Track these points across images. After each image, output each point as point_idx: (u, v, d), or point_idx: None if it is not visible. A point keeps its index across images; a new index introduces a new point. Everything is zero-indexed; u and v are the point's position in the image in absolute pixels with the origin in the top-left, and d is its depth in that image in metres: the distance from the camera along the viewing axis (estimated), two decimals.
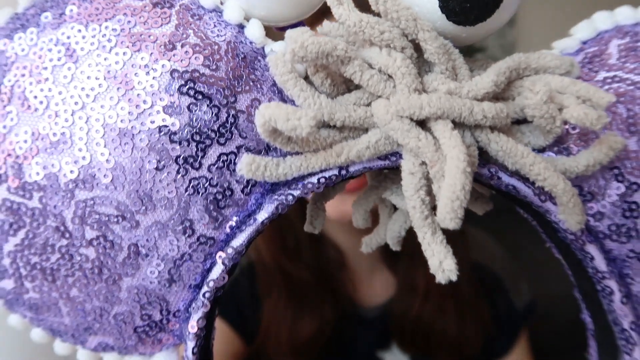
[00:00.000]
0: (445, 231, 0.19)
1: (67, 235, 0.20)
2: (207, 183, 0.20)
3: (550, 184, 0.19)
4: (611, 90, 0.22)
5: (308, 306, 0.61)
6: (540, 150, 0.21)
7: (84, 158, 0.20)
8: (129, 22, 0.20)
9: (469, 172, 0.18)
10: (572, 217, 0.19)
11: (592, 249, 0.21)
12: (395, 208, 0.27)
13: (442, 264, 0.18)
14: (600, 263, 0.21)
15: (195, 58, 0.20)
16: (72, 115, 0.20)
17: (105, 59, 0.20)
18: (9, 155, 0.20)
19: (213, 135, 0.20)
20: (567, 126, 0.21)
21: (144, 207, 0.20)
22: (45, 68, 0.20)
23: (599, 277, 0.21)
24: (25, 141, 0.20)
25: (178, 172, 0.20)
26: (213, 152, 0.20)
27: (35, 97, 0.20)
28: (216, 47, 0.21)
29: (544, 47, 0.25)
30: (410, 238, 0.61)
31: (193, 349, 0.21)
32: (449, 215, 0.17)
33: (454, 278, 0.18)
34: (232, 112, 0.20)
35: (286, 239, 0.62)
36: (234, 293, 0.61)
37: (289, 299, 0.61)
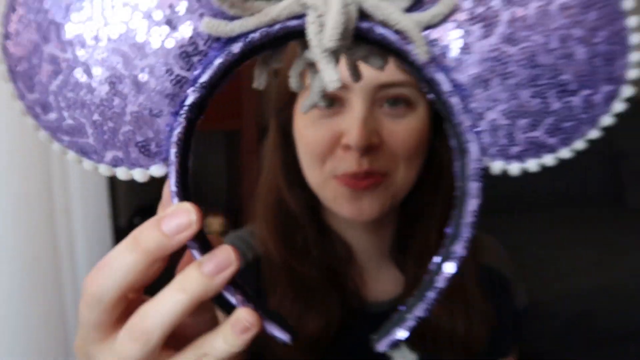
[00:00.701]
0: None
1: (90, 75, 0.30)
2: (180, 37, 0.30)
3: (404, 25, 0.29)
4: None
5: (314, 302, 0.63)
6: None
7: (99, 22, 0.30)
8: None
9: (344, 12, 0.28)
10: (421, 48, 0.29)
11: (439, 76, 0.30)
12: None
13: (331, 79, 0.28)
14: (446, 85, 0.30)
15: None
16: None
17: None
18: (51, 22, 0.30)
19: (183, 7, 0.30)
20: None
21: (139, 54, 0.30)
22: None
23: (448, 97, 0.31)
24: (62, 14, 0.30)
25: (160, 30, 0.30)
26: (183, 17, 0.30)
27: None
28: None
29: None
30: (416, 239, 0.65)
31: (175, 153, 0.31)
32: (329, 38, 0.28)
33: (338, 84, 0.28)
34: None
35: (294, 238, 0.66)
36: None
37: (295, 295, 0.63)
